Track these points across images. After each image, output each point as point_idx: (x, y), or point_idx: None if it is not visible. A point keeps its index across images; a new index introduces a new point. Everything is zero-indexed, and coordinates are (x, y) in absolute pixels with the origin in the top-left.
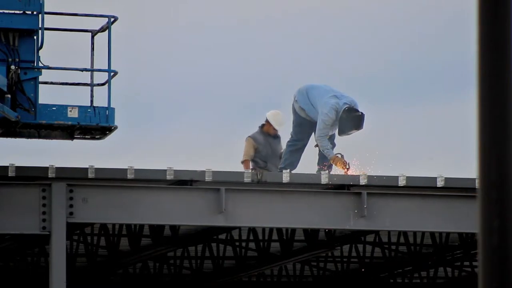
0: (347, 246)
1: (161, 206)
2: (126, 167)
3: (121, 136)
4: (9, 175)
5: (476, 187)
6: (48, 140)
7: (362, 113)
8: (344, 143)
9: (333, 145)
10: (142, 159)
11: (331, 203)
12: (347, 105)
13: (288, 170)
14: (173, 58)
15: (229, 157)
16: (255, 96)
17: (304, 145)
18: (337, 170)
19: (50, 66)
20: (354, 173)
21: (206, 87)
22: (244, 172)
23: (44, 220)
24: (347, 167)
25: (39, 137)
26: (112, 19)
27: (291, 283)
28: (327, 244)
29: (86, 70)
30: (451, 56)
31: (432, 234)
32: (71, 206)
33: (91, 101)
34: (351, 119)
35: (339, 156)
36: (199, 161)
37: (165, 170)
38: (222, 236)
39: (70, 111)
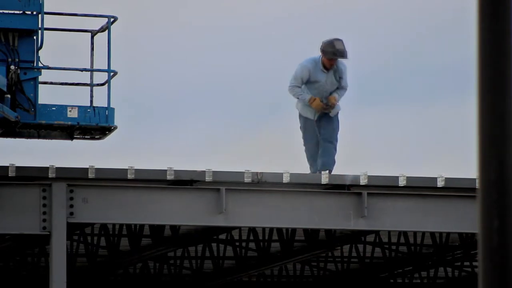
0: (347, 246)
1: (161, 206)
2: (126, 167)
3: (121, 136)
4: (9, 175)
5: (476, 187)
6: (48, 140)
7: (339, 38)
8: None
9: (342, 91)
10: (142, 159)
11: (331, 203)
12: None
13: (288, 171)
14: (173, 58)
15: (229, 157)
16: (255, 97)
17: (317, 143)
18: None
19: (50, 66)
20: (331, 107)
21: (206, 87)
22: (244, 172)
23: (44, 220)
24: (325, 105)
25: (39, 137)
26: (112, 19)
27: (291, 283)
28: (327, 244)
29: (86, 70)
30: (451, 56)
31: (432, 234)
32: (71, 206)
33: (91, 101)
34: (329, 46)
35: (315, 98)
36: (199, 161)
37: (165, 170)
38: (222, 236)
39: (70, 111)
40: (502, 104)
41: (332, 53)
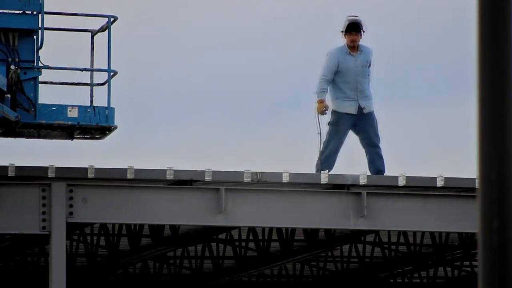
0: (347, 246)
1: (161, 206)
2: (126, 167)
3: (121, 136)
4: (9, 175)
5: (476, 187)
6: (48, 140)
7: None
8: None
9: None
10: (142, 159)
11: (331, 203)
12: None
13: (288, 170)
14: (173, 58)
15: (229, 157)
16: (255, 97)
17: (341, 144)
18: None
19: (50, 66)
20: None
21: (206, 87)
22: (244, 172)
23: (44, 220)
24: (323, 112)
25: (39, 137)
26: (112, 19)
27: (291, 283)
28: (327, 244)
29: (86, 70)
30: (451, 55)
31: (432, 234)
32: (71, 206)
33: (91, 101)
34: (345, 22)
35: (325, 102)
36: (199, 161)
37: (165, 170)
38: (222, 236)
39: (70, 111)
40: (502, 104)
41: (347, 23)
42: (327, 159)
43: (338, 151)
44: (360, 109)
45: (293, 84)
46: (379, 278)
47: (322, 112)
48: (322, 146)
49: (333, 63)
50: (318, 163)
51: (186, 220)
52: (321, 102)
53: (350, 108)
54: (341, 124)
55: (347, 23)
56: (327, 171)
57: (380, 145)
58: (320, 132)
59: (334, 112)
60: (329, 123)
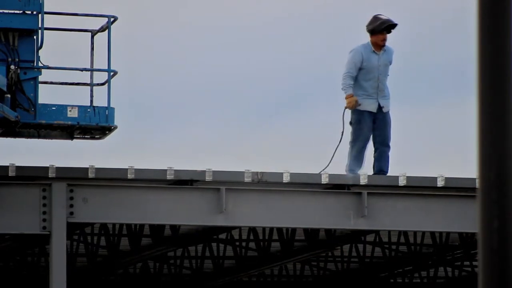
0: (347, 246)
1: (161, 206)
2: (126, 167)
3: (121, 136)
4: (9, 175)
5: (476, 187)
6: (48, 140)
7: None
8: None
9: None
10: (142, 159)
11: (331, 203)
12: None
13: (288, 170)
14: (173, 58)
15: (229, 157)
16: (255, 97)
17: (368, 141)
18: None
19: (50, 66)
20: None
21: (206, 87)
22: (244, 172)
23: (44, 220)
24: (355, 106)
25: (39, 137)
26: (112, 19)
27: (291, 283)
28: (327, 243)
29: (86, 70)
30: (451, 56)
31: (432, 234)
32: (71, 206)
33: (91, 101)
34: (374, 21)
35: (355, 96)
36: (199, 161)
37: (165, 170)
38: (222, 236)
39: (70, 111)
40: (502, 104)
41: (381, 24)
42: (356, 158)
43: (365, 148)
44: (379, 107)
45: (293, 84)
46: (379, 278)
47: (353, 105)
48: (349, 146)
49: (358, 59)
50: (348, 165)
51: (187, 220)
52: (350, 96)
53: (370, 106)
54: (363, 122)
55: (385, 24)
56: (358, 170)
57: (390, 145)
58: (343, 131)
59: (355, 111)
60: (351, 123)
